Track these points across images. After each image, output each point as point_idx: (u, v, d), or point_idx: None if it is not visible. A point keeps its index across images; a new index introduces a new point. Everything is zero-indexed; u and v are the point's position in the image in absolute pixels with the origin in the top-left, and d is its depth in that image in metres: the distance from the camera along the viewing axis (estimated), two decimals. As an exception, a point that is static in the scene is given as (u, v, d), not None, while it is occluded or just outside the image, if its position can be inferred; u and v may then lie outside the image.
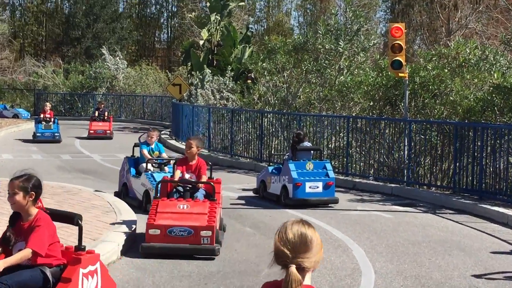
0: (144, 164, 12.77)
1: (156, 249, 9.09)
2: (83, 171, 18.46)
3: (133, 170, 13.39)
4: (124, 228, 9.97)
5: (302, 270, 2.99)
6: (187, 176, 10.16)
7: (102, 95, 42.42)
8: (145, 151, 13.15)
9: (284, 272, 3.00)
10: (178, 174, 10.12)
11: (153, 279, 8.13)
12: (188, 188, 10.02)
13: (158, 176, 11.65)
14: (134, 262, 8.91)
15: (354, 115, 20.12)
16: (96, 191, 13.50)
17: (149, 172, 12.41)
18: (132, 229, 10.08)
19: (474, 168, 14.23)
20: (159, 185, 10.05)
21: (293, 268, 2.98)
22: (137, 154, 13.75)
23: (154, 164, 12.83)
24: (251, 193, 14.80)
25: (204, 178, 10.20)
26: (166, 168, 12.78)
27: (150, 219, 9.19)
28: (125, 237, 9.54)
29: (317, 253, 3.07)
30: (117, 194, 13.43)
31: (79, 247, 5.83)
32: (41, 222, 5.62)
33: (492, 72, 18.12)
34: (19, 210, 5.70)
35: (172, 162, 12.06)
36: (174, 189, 10.06)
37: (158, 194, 9.86)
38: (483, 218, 12.57)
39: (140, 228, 10.04)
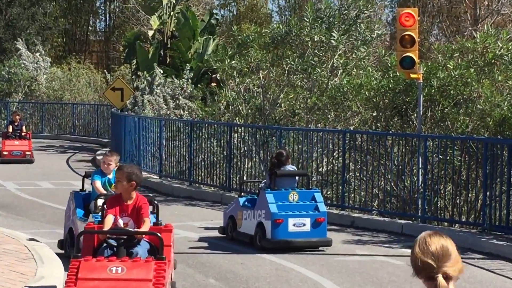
0: (94, 202, 11.38)
1: None
2: (-8, 206, 18.32)
3: (79, 211, 12.30)
4: (46, 281, 9.87)
5: (447, 279, 3.65)
6: (121, 222, 8.80)
7: (18, 103, 42.18)
8: (98, 184, 11.97)
9: (426, 285, 3.76)
10: (109, 220, 8.81)
11: None
12: (123, 240, 8.76)
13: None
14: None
15: (352, 129, 20.13)
16: (31, 239, 13.18)
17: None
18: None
19: (510, 198, 14.26)
20: (81, 238, 9.04)
21: (440, 277, 3.64)
22: (88, 187, 12.89)
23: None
24: (216, 233, 14.76)
25: (147, 225, 8.94)
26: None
27: None
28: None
29: (458, 261, 3.72)
30: (60, 243, 12.73)
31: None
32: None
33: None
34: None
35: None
36: (104, 243, 8.80)
37: (80, 253, 8.63)
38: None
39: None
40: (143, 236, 9.03)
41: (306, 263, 12.43)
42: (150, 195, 11.75)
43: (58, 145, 36.00)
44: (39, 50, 45.73)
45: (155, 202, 9.19)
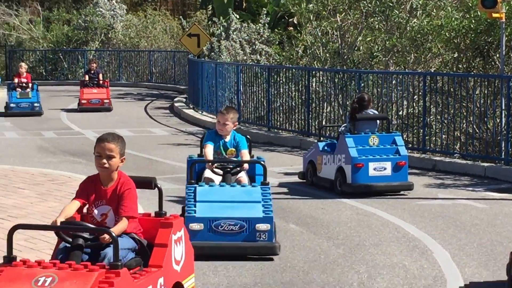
0: (190, 170, 10.20)
1: None
2: (73, 153, 18.54)
3: None
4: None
5: None
6: (97, 213, 6.52)
7: (95, 51, 42.48)
8: (207, 149, 10.34)
9: None
10: (71, 209, 6.44)
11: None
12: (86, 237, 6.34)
13: (210, 193, 9.69)
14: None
15: (432, 71, 19.94)
16: None
17: (203, 184, 9.95)
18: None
19: None
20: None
21: None
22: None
23: (217, 171, 10.11)
24: (296, 178, 14.81)
25: (122, 226, 6.38)
26: (238, 178, 10.12)
27: None
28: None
29: None
30: None
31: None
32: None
33: None
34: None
35: (246, 167, 10.26)
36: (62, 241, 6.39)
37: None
38: None
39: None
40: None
41: (387, 207, 12.41)
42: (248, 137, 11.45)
43: (135, 93, 36.24)
44: (114, -2, 45.90)
45: (158, 186, 7.06)
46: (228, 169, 9.84)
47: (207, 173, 10.11)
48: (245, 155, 10.23)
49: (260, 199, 9.31)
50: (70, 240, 6.19)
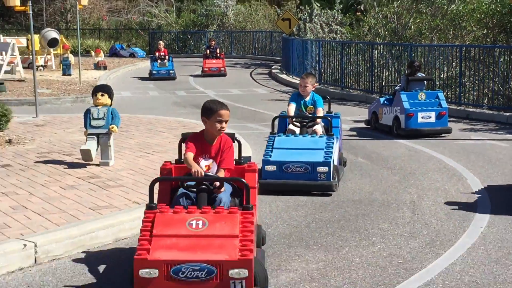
0: (272, 122, 9.99)
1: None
2: (198, 106, 18.62)
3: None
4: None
5: None
6: (204, 163, 6.29)
7: (214, 32, 42.74)
8: (291, 107, 10.05)
9: None
10: (190, 157, 6.14)
11: (270, 208, 8.27)
12: (204, 186, 6.04)
13: (285, 142, 9.38)
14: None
15: (467, 44, 19.59)
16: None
17: (281, 135, 9.70)
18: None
19: None
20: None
21: None
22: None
23: (296, 124, 9.86)
24: (362, 125, 14.76)
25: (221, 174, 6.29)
26: (314, 129, 9.81)
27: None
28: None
29: None
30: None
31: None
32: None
33: None
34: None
35: (320, 122, 9.91)
36: (182, 189, 6.18)
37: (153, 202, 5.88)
38: None
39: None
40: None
41: (431, 146, 12.29)
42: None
43: (243, 63, 36.31)
44: (227, -7, 46.06)
45: (237, 139, 6.90)
46: (305, 123, 9.62)
47: (290, 126, 9.86)
48: (319, 111, 9.88)
49: (324, 147, 9.01)
50: (194, 188, 5.99)
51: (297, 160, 8.80)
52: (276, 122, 10.17)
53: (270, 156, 8.98)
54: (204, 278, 5.16)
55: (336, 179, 8.91)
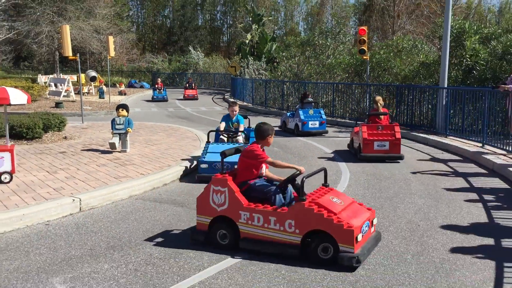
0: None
1: None
2: (181, 117, 18.50)
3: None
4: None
5: None
6: (264, 166, 5.17)
7: (191, 74, 42.25)
8: (221, 124, 9.02)
9: None
10: (278, 161, 5.01)
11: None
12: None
13: (215, 148, 8.17)
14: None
15: (337, 82, 19.81)
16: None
17: (214, 143, 8.56)
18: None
19: (408, 111, 13.93)
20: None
21: None
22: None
23: (225, 135, 8.86)
24: (277, 128, 14.69)
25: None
26: (236, 139, 8.74)
27: None
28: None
29: None
30: None
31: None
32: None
33: (419, 55, 17.63)
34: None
35: (241, 134, 8.69)
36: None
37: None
38: (413, 140, 12.33)
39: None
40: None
41: (316, 140, 12.29)
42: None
43: (208, 92, 35.93)
44: (199, 51, 45.48)
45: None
46: (230, 135, 8.59)
47: (221, 137, 8.68)
48: (241, 127, 8.80)
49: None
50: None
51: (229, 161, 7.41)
52: (213, 134, 9.54)
53: (204, 157, 7.77)
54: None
55: None
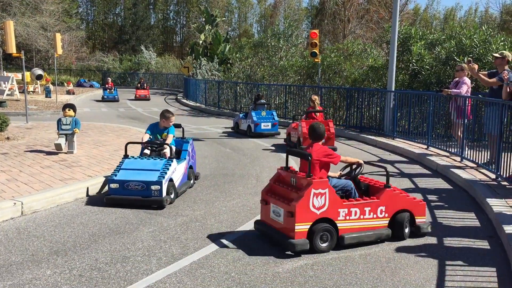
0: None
1: None
2: (132, 117, 18.15)
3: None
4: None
5: None
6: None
7: (143, 74, 41.55)
8: (145, 136, 7.41)
9: None
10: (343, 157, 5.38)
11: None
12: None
13: (131, 164, 6.77)
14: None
15: (289, 84, 20.00)
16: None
17: (132, 157, 7.01)
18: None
19: (357, 114, 14.22)
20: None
21: None
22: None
23: (148, 148, 7.32)
24: (230, 130, 14.72)
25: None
26: (163, 152, 7.19)
27: None
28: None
29: None
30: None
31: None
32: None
33: (368, 58, 18.08)
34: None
35: (169, 146, 7.19)
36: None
37: None
38: (363, 142, 12.59)
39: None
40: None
41: (268, 141, 12.34)
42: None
43: (160, 92, 35.52)
44: (151, 50, 44.83)
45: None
46: (154, 148, 7.17)
47: (145, 150, 7.21)
48: (169, 138, 7.30)
49: (160, 168, 6.56)
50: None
51: (136, 180, 6.38)
52: (136, 146, 8.55)
53: (116, 175, 6.49)
54: None
55: (172, 194, 6.57)
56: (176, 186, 6.79)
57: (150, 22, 61.48)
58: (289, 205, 4.80)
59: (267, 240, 5.17)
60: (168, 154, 7.14)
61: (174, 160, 6.89)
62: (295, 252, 4.79)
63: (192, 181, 7.48)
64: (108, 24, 62.97)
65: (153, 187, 6.32)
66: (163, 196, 6.35)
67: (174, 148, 7.43)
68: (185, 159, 7.35)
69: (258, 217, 5.77)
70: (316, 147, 5.19)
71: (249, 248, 4.99)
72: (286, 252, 4.84)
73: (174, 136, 7.51)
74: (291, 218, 4.76)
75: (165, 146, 7.16)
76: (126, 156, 6.91)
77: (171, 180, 6.60)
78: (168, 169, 6.58)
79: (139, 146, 9.63)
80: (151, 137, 7.43)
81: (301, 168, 5.45)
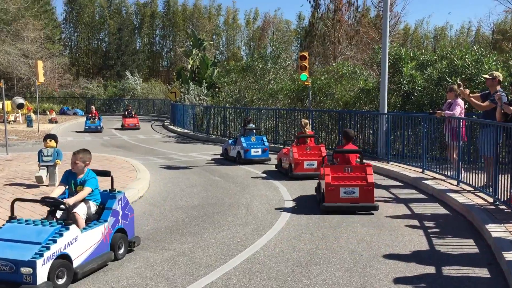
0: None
1: None
2: (117, 146, 18.07)
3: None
4: (142, 180, 9.79)
5: None
6: None
7: (128, 100, 41.60)
8: (59, 188, 5.58)
9: None
10: None
11: (159, 210, 8.00)
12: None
13: (8, 230, 4.77)
14: (147, 200, 8.77)
15: (279, 107, 20.09)
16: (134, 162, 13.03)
17: (17, 220, 5.00)
18: (147, 181, 9.86)
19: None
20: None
21: None
22: None
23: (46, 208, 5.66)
24: (218, 156, 14.68)
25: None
26: (73, 212, 5.17)
27: None
28: (142, 186, 9.37)
29: None
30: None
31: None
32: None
33: (359, 80, 18.25)
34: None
35: (88, 202, 5.48)
36: None
37: None
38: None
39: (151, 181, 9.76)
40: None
41: (259, 168, 12.32)
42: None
43: (147, 118, 35.54)
44: (136, 76, 45.04)
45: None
46: (53, 208, 5.27)
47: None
48: (80, 193, 5.37)
49: (43, 239, 4.60)
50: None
51: (2, 257, 4.43)
52: (24, 204, 7.02)
53: None
54: None
55: (64, 277, 4.65)
56: (80, 262, 4.90)
57: (136, 47, 61.93)
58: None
59: (258, 276, 5.10)
60: (78, 216, 5.16)
61: (74, 225, 4.91)
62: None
63: (121, 251, 5.51)
64: (92, 49, 63.28)
65: (23, 270, 4.37)
66: (38, 284, 4.37)
67: (87, 209, 5.39)
68: (105, 221, 5.36)
69: (249, 251, 5.71)
70: (351, 145, 8.14)
71: (239, 285, 4.90)
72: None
73: (94, 189, 5.51)
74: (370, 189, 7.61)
75: (62, 206, 5.07)
76: (11, 217, 4.96)
77: (64, 256, 4.69)
78: (56, 240, 4.65)
79: (124, 173, 9.51)
80: (67, 189, 5.56)
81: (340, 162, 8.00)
